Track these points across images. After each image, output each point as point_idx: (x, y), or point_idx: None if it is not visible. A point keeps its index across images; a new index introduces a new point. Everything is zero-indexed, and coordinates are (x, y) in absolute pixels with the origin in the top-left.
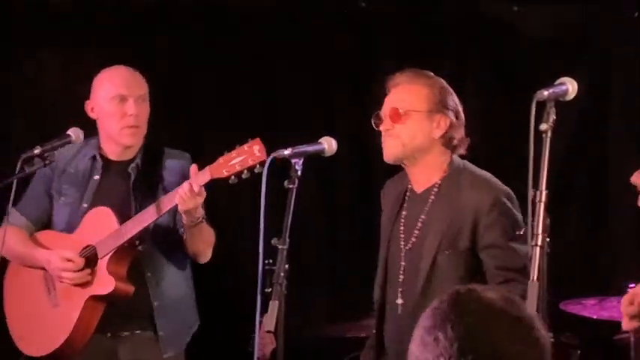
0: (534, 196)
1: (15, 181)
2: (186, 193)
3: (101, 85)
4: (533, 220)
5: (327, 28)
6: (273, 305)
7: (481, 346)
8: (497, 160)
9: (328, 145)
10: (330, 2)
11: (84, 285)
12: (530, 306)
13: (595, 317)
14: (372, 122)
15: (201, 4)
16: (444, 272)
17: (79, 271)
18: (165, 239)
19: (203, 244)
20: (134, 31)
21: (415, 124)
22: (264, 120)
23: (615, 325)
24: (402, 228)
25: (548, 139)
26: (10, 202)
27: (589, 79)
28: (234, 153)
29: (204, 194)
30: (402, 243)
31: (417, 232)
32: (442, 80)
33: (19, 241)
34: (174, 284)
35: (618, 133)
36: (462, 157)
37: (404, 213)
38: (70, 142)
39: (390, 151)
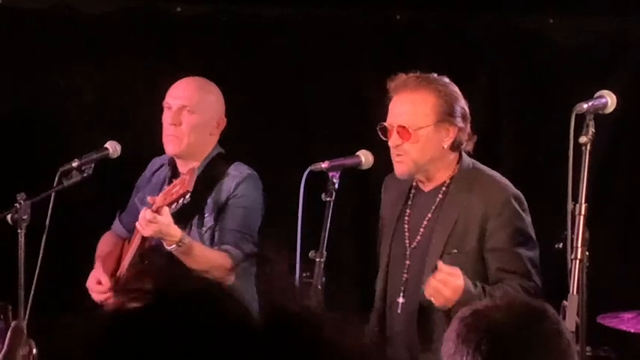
0: (574, 209)
1: (53, 194)
2: (139, 222)
3: None
4: (572, 233)
5: (362, 41)
6: None
7: None
8: (534, 173)
9: (365, 158)
10: (366, 14)
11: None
12: (570, 319)
13: (632, 331)
14: (378, 132)
15: (236, 15)
16: None
17: (104, 292)
18: None
19: (197, 267)
20: (169, 41)
21: (425, 139)
22: (299, 133)
23: None
24: (406, 226)
25: (588, 152)
26: (49, 215)
27: (624, 91)
28: (177, 182)
29: (161, 222)
30: (407, 242)
31: (422, 230)
32: (447, 82)
33: (102, 248)
34: None
35: None
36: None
37: (408, 211)
38: (107, 155)
39: (402, 169)
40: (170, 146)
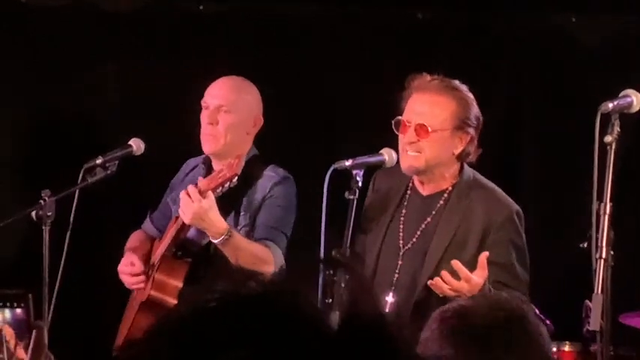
0: (599, 209)
1: (77, 191)
2: (181, 202)
3: None
4: (597, 233)
5: (385, 40)
6: (334, 317)
7: None
8: (557, 172)
9: (388, 156)
10: (388, 12)
11: (144, 290)
12: (595, 318)
13: None
14: (392, 125)
15: (259, 13)
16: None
17: (136, 275)
18: None
19: (242, 262)
20: (192, 41)
21: (440, 141)
22: (323, 131)
23: None
24: (401, 226)
25: (613, 152)
26: (73, 212)
27: None
28: (224, 166)
29: (202, 204)
30: (401, 242)
31: (419, 232)
32: (466, 90)
33: (131, 243)
34: None
35: None
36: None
37: (404, 211)
38: (131, 153)
39: (412, 163)
40: (207, 145)
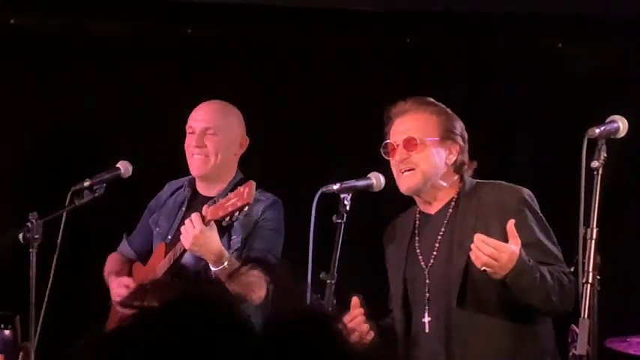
0: (585, 234)
1: (65, 214)
2: (185, 228)
3: None
4: (584, 258)
5: (378, 63)
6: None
7: None
8: (547, 197)
9: (376, 180)
10: (376, 39)
11: None
12: (582, 343)
13: None
14: (382, 152)
15: (247, 37)
16: (479, 279)
17: None
18: None
19: (237, 288)
20: (180, 65)
21: (431, 153)
22: (312, 154)
23: None
24: (418, 250)
25: (600, 177)
26: (60, 234)
27: (635, 116)
28: (232, 195)
29: (206, 232)
30: (423, 263)
31: (437, 245)
32: (445, 106)
33: (112, 267)
34: None
35: None
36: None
37: (417, 238)
38: (119, 175)
39: (410, 183)
40: (197, 167)
